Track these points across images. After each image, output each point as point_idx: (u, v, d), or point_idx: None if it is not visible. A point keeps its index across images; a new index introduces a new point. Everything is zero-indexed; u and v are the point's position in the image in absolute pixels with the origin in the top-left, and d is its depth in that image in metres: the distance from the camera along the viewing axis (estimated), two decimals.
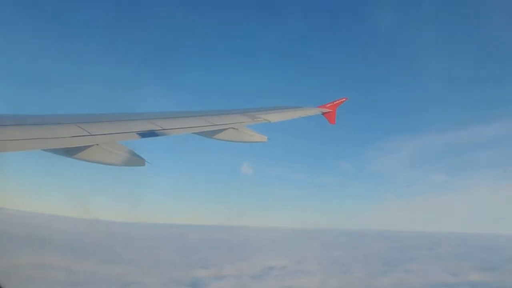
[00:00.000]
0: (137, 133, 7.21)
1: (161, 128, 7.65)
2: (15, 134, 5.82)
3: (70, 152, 6.37)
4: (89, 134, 6.49)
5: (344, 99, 13.77)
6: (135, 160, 6.89)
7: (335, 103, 13.56)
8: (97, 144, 6.48)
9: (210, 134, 8.74)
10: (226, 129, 8.92)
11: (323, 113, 13.20)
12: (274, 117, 10.32)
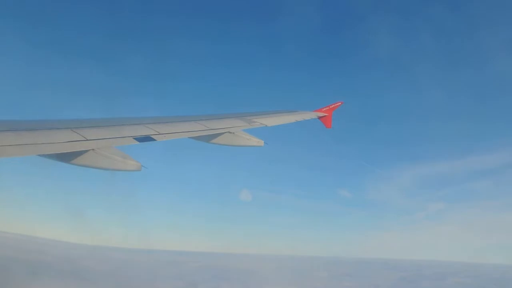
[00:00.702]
0: (133, 138, 7.19)
1: (157, 133, 7.64)
2: (10, 139, 5.78)
3: (66, 157, 6.33)
4: (84, 139, 6.46)
5: (340, 103, 13.80)
6: (131, 165, 6.86)
7: (331, 107, 13.59)
8: (93, 149, 6.44)
9: (206, 139, 8.73)
10: (223, 133, 8.90)
11: (319, 117, 13.23)
12: (271, 121, 10.32)
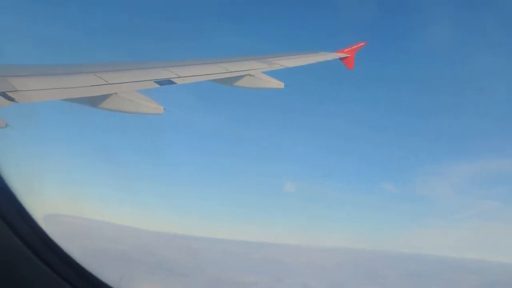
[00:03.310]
0: (154, 81, 7.23)
1: (177, 76, 7.64)
2: (34, 84, 5.89)
3: (89, 102, 6.46)
4: (107, 83, 6.53)
5: (363, 43, 13.36)
6: (153, 108, 6.97)
7: (353, 47, 13.17)
8: (116, 93, 6.54)
9: (227, 82, 8.71)
10: (243, 76, 8.85)
11: (341, 58, 12.90)
12: (291, 63, 10.16)
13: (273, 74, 9.44)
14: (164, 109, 7.16)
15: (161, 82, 7.32)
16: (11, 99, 5.24)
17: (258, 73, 9.06)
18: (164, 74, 7.58)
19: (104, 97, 6.44)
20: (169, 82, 7.48)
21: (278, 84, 9.28)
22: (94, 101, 6.42)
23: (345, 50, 13.06)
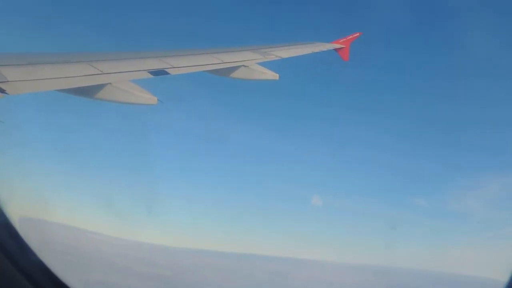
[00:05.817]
0: (148, 72, 7.16)
1: (171, 66, 7.58)
2: (28, 74, 5.77)
3: (84, 92, 6.36)
4: (101, 72, 6.45)
5: (358, 34, 13.34)
6: (147, 98, 6.91)
7: (348, 38, 13.16)
8: (111, 83, 6.45)
9: (221, 72, 8.65)
10: (238, 67, 8.79)
11: (336, 49, 12.89)
12: (286, 53, 10.12)
13: (268, 65, 9.40)
14: (158, 99, 7.10)
15: (155, 73, 7.25)
16: (2, 90, 5.11)
17: (253, 64, 9.01)
18: (158, 64, 7.50)
19: (99, 87, 6.35)
20: (163, 72, 7.41)
21: (273, 75, 9.25)
22: (88, 91, 6.33)
23: (340, 41, 13.05)
